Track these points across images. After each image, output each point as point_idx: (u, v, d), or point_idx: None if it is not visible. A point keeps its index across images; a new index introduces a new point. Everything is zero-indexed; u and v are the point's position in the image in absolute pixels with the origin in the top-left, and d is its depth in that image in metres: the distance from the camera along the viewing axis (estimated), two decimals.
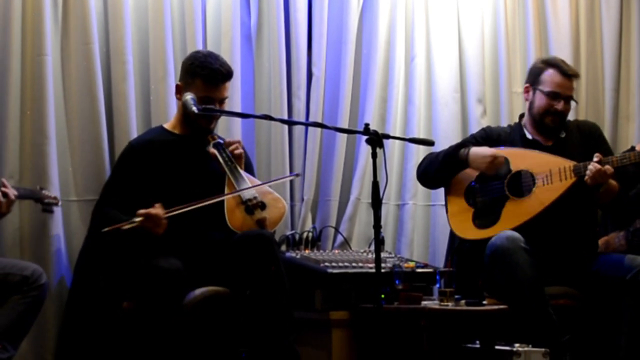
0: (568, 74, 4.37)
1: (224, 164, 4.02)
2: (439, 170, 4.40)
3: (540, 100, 4.36)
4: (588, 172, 4.03)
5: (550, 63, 4.41)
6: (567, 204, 4.15)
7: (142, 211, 3.77)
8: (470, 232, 4.27)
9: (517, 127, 4.47)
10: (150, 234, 3.78)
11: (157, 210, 3.78)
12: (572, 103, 4.40)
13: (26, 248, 4.16)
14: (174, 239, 3.87)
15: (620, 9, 5.67)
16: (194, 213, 3.85)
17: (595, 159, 4.04)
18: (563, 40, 5.49)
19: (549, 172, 4.17)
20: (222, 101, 4.06)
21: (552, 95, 4.33)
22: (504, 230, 4.05)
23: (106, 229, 3.74)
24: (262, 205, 3.96)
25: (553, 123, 4.35)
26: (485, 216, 4.23)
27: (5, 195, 3.62)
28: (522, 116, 4.51)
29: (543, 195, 4.16)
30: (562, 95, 4.33)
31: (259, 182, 4.12)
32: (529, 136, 4.40)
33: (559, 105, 4.33)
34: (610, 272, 4.11)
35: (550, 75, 4.36)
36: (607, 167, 4.02)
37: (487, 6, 5.37)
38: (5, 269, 3.63)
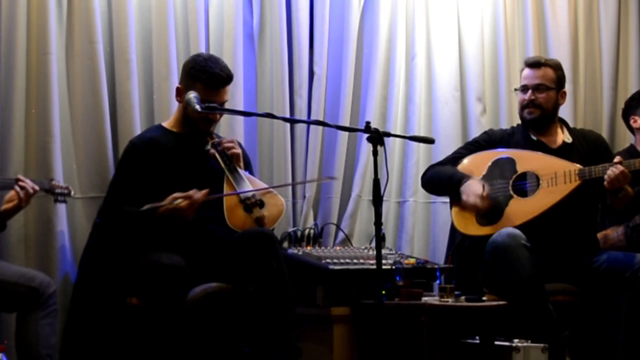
0: (529, 63, 4.42)
1: (222, 164, 4.01)
2: (441, 192, 4.52)
3: (518, 99, 4.42)
4: (607, 176, 4.01)
5: (524, 62, 4.49)
6: (569, 204, 4.13)
7: (179, 194, 3.79)
8: (472, 228, 4.25)
9: (520, 128, 4.45)
10: (180, 218, 3.80)
11: (197, 194, 3.81)
12: (552, 91, 4.36)
13: (31, 244, 4.15)
14: (176, 236, 3.86)
15: (618, 9, 5.66)
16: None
17: (615, 160, 4.03)
18: (562, 39, 5.48)
19: (554, 175, 4.15)
20: (221, 105, 4.05)
21: (522, 89, 4.38)
22: (505, 228, 4.04)
23: (146, 207, 3.77)
24: (261, 204, 3.96)
25: (529, 114, 4.36)
26: (489, 214, 4.21)
27: (23, 188, 3.61)
28: None
29: (547, 197, 4.14)
30: (529, 86, 4.36)
31: (263, 184, 4.11)
32: (534, 137, 4.38)
33: (527, 95, 4.34)
34: (609, 269, 4.10)
35: (522, 73, 4.44)
36: (624, 170, 4.00)
37: (487, 6, 5.36)
38: (13, 278, 3.59)
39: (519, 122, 4.53)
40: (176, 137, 4.10)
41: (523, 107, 4.37)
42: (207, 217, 3.95)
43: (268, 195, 4.04)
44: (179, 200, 3.78)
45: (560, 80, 4.42)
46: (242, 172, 4.05)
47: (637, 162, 4.05)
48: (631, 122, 4.79)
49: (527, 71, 4.41)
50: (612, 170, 4.01)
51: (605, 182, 4.02)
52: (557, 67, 4.44)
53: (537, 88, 4.35)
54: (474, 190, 4.17)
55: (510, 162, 4.27)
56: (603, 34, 5.61)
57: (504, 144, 4.40)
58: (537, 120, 4.35)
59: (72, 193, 3.94)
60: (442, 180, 4.36)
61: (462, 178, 4.24)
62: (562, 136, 4.39)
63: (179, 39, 4.59)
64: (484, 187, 4.17)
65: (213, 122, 4.11)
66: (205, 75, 4.00)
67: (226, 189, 3.97)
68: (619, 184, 4.02)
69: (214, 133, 4.17)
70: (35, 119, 4.19)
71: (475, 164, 4.33)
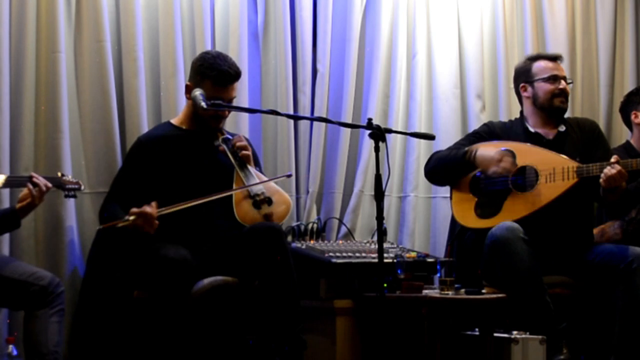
0: (554, 57, 4.45)
1: (232, 159, 3.99)
2: (448, 173, 4.38)
3: (542, 87, 4.36)
4: (603, 175, 3.98)
5: (533, 57, 4.49)
6: (566, 199, 4.11)
7: (135, 210, 3.70)
8: (471, 220, 4.23)
9: (519, 122, 4.45)
10: (141, 233, 3.71)
11: (150, 209, 3.71)
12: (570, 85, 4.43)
13: (40, 239, 4.13)
14: (182, 230, 3.83)
15: (615, 8, 5.65)
16: (202, 205, 3.81)
17: (612, 160, 4.00)
18: (559, 38, 5.47)
19: (553, 170, 4.13)
20: (230, 101, 4.02)
21: (553, 78, 4.36)
22: (504, 221, 4.01)
23: (101, 226, 3.74)
24: (269, 201, 3.94)
25: (562, 103, 4.36)
26: (487, 207, 4.20)
27: (36, 185, 3.58)
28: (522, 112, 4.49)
29: (545, 192, 4.12)
30: (560, 76, 4.37)
31: (266, 179, 4.09)
32: (532, 129, 4.37)
33: (561, 85, 4.35)
34: (604, 262, 4.09)
35: (541, 65, 4.41)
36: (621, 169, 3.98)
37: (486, 5, 5.35)
38: (23, 276, 3.56)
39: (517, 116, 4.52)
40: (185, 133, 4.07)
41: (555, 95, 4.34)
42: (214, 212, 3.92)
43: (277, 195, 4.02)
44: (133, 217, 3.70)
45: None
46: (251, 168, 4.02)
47: (634, 162, 4.02)
48: (632, 117, 4.75)
49: (551, 63, 4.40)
50: (609, 170, 3.98)
51: (601, 180, 4.00)
52: None
53: (565, 80, 4.38)
54: (490, 154, 4.16)
55: (510, 155, 4.23)
56: (600, 32, 5.59)
57: (503, 135, 4.38)
58: (565, 111, 4.38)
59: (82, 188, 3.91)
60: (448, 159, 4.32)
61: (467, 151, 4.23)
62: (557, 127, 4.38)
63: (185, 37, 4.57)
64: (496, 151, 4.16)
65: (222, 118, 4.08)
66: (214, 72, 3.97)
67: (236, 185, 3.95)
68: (615, 183, 4.00)
69: (223, 129, 4.15)
70: (45, 116, 4.18)
71: None
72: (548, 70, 4.37)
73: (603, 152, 4.22)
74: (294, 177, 4.73)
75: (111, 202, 3.92)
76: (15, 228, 3.74)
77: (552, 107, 4.35)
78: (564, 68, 5.21)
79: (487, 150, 4.23)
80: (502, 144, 4.29)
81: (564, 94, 4.34)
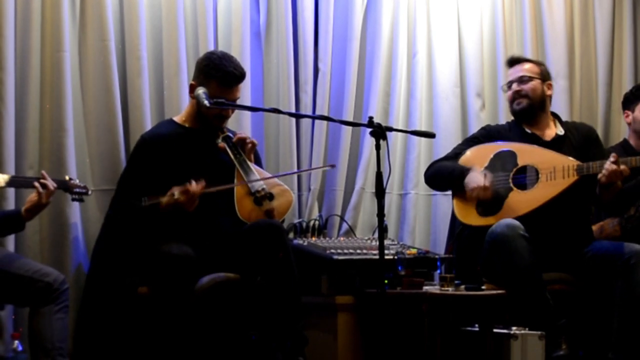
0: (509, 62, 4.51)
1: (233, 157, 3.99)
2: (443, 185, 4.44)
3: (506, 97, 4.48)
4: (604, 170, 3.98)
5: (506, 65, 4.58)
6: (565, 197, 4.10)
7: (178, 188, 3.73)
8: (472, 218, 4.22)
9: (516, 124, 4.44)
10: (182, 210, 3.74)
11: (194, 187, 3.74)
12: (536, 81, 4.38)
13: (45, 236, 4.13)
14: (185, 227, 3.83)
15: (613, 8, 5.65)
16: (204, 202, 3.81)
17: (611, 159, 3.99)
18: (558, 37, 5.46)
19: (553, 169, 4.13)
20: (234, 102, 4.01)
21: (507, 86, 4.43)
22: (504, 218, 4.01)
23: (147, 203, 3.72)
24: (270, 197, 3.93)
25: (518, 105, 4.39)
26: (489, 205, 4.19)
27: (44, 186, 3.58)
28: None
29: (545, 190, 4.12)
30: (513, 80, 4.40)
31: (268, 175, 4.08)
32: (528, 131, 4.38)
33: (511, 89, 4.39)
34: (603, 258, 4.08)
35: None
36: (624, 167, 3.98)
37: (486, 5, 5.35)
38: (29, 272, 3.56)
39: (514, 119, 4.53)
40: (187, 131, 4.06)
41: (511, 100, 4.41)
42: (217, 209, 3.92)
43: (277, 189, 4.02)
44: (177, 195, 3.74)
45: (543, 72, 4.45)
46: (251, 165, 4.02)
47: (633, 160, 4.02)
48: (624, 115, 4.76)
49: (509, 70, 4.48)
50: (610, 165, 3.98)
51: (601, 176, 3.99)
52: (537, 62, 4.52)
53: (520, 80, 4.39)
54: (477, 181, 4.14)
55: (512, 155, 4.25)
56: (598, 32, 5.59)
57: (501, 138, 4.38)
58: (526, 109, 4.37)
59: (90, 192, 3.90)
60: (443, 175, 4.34)
61: (463, 171, 4.22)
62: (555, 129, 4.39)
63: (189, 36, 4.57)
64: (485, 176, 4.14)
65: (225, 118, 4.08)
66: (220, 73, 3.96)
67: (237, 182, 3.95)
68: (615, 179, 4.00)
69: (225, 127, 4.14)
70: (50, 114, 4.18)
71: (478, 156, 4.31)
72: (506, 78, 4.49)
73: (600, 157, 4.21)
74: (295, 175, 4.72)
75: (127, 199, 3.90)
76: (19, 230, 3.75)
77: (514, 112, 4.42)
78: (563, 67, 5.25)
79: (475, 182, 4.18)
80: (503, 144, 4.30)
81: (517, 96, 4.37)
